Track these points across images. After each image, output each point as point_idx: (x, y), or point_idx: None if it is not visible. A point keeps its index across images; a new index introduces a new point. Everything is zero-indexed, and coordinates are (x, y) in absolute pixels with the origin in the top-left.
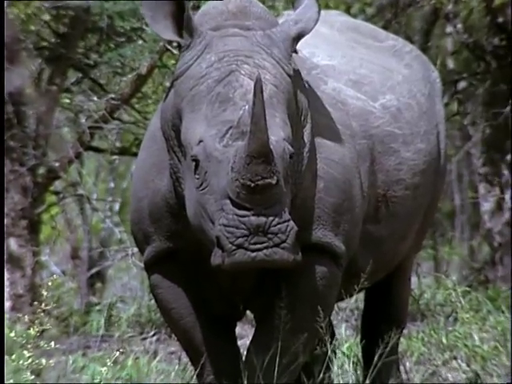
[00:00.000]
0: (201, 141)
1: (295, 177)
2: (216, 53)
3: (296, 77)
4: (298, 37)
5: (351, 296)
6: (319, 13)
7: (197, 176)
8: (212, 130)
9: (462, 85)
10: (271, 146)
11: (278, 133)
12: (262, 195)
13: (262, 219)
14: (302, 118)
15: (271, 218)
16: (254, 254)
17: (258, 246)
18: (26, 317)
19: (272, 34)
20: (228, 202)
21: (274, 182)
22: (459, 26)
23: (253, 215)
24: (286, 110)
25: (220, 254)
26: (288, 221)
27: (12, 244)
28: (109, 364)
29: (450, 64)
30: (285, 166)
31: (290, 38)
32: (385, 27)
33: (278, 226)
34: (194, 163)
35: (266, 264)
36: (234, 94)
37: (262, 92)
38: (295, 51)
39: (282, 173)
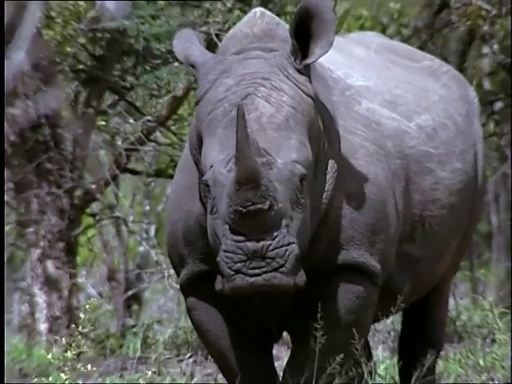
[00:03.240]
0: (211, 166)
1: (320, 197)
2: (234, 76)
3: (322, 97)
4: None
5: (387, 317)
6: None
7: (209, 201)
8: (222, 154)
9: (498, 105)
10: (275, 170)
11: (287, 155)
12: (255, 220)
13: (259, 244)
14: (329, 138)
15: (268, 243)
16: (252, 278)
17: (257, 270)
18: (63, 339)
19: (288, 55)
20: (227, 227)
21: (265, 207)
22: (495, 46)
23: (249, 240)
24: (305, 132)
25: (221, 280)
26: (288, 244)
27: (49, 266)
28: (138, 382)
29: (487, 85)
30: (293, 188)
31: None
32: (421, 48)
33: (276, 250)
34: (206, 188)
35: (266, 289)
36: (249, 116)
37: (244, 118)
38: (306, 69)
39: (287, 195)
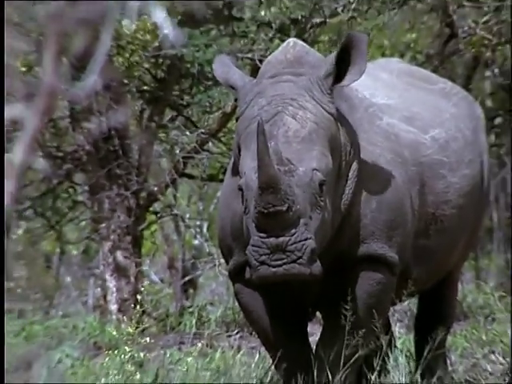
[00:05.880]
0: (245, 172)
1: (340, 198)
2: (267, 97)
3: (347, 114)
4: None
5: (401, 301)
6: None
7: (244, 202)
8: (253, 163)
9: (498, 120)
10: (296, 177)
11: (308, 164)
12: (275, 220)
13: (280, 240)
14: (352, 149)
15: (287, 239)
16: (274, 269)
17: (278, 262)
18: (124, 318)
19: (316, 79)
20: (254, 225)
21: (284, 208)
22: (496, 70)
23: (271, 236)
24: (326, 144)
25: (249, 270)
26: (305, 240)
27: (118, 256)
28: (193, 354)
29: (489, 103)
30: (312, 192)
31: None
32: (433, 72)
33: (294, 244)
34: (240, 192)
35: (286, 277)
36: (278, 131)
37: (263, 134)
38: (331, 90)
39: (307, 198)
